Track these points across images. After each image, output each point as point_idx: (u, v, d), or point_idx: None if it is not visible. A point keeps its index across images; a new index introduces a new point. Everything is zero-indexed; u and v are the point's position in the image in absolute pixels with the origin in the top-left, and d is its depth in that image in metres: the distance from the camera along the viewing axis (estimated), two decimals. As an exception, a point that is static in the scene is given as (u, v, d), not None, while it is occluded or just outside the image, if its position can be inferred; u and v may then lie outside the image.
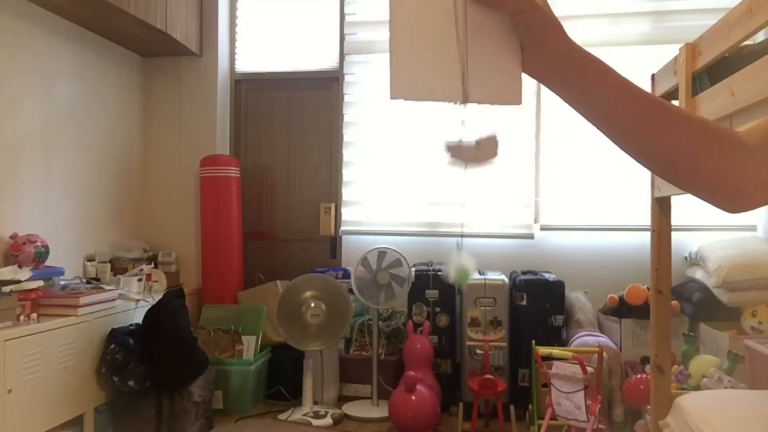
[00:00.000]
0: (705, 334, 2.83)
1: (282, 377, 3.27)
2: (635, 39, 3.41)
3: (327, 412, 2.98)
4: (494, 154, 0.55)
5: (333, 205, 3.77)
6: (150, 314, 2.77)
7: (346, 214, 3.73)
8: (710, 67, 1.52)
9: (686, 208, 3.05)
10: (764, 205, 0.59)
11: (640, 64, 3.21)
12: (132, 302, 2.90)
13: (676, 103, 1.71)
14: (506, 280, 3.09)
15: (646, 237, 2.82)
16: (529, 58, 0.54)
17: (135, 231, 3.66)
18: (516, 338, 3.02)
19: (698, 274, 3.05)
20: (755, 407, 1.62)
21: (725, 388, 2.25)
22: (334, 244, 3.80)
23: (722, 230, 3.24)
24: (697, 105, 1.55)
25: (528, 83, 0.58)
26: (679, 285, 3.12)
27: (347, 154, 3.73)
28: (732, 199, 0.59)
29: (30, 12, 2.77)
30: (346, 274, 3.42)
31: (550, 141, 3.50)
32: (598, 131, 0.59)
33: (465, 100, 0.52)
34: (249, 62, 3.91)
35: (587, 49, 0.55)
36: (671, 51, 1.74)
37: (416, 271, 3.15)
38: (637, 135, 0.57)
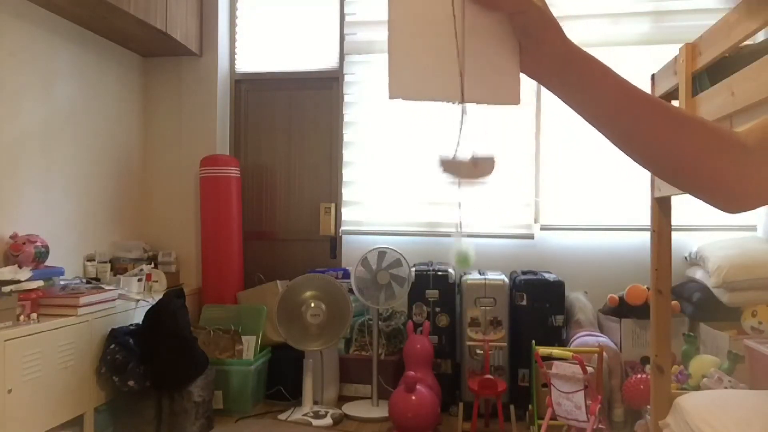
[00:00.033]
0: (705, 334, 2.83)
1: (282, 377, 3.27)
2: (635, 39, 3.41)
3: (327, 412, 2.98)
4: (489, 173, 0.55)
5: (333, 205, 3.77)
6: (150, 314, 2.77)
7: (346, 214, 3.73)
8: (710, 67, 1.52)
9: (686, 208, 3.05)
10: (763, 205, 0.59)
11: (640, 64, 3.21)
12: (132, 302, 2.90)
13: (676, 103, 1.71)
14: (506, 280, 3.09)
15: (646, 237, 2.82)
16: (528, 58, 0.54)
17: (135, 231, 3.66)
18: (516, 338, 3.02)
19: (698, 274, 3.05)
20: (755, 407, 1.62)
21: (725, 388, 2.25)
22: (334, 244, 3.80)
23: (722, 230, 3.24)
24: (697, 105, 1.55)
25: (528, 83, 0.57)
26: (679, 285, 3.12)
27: (347, 154, 3.73)
28: (731, 200, 0.59)
29: (30, 12, 2.77)
30: (346, 274, 3.42)
31: (550, 141, 3.50)
32: (598, 132, 0.59)
33: (462, 100, 0.52)
34: (249, 62, 3.91)
35: (587, 49, 0.55)
36: (671, 51, 1.74)
37: (416, 271, 3.15)
38: (636, 135, 0.57)
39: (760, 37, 2.43)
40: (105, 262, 3.24)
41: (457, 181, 0.56)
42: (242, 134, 3.96)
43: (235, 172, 3.56)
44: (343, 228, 3.73)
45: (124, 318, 2.82)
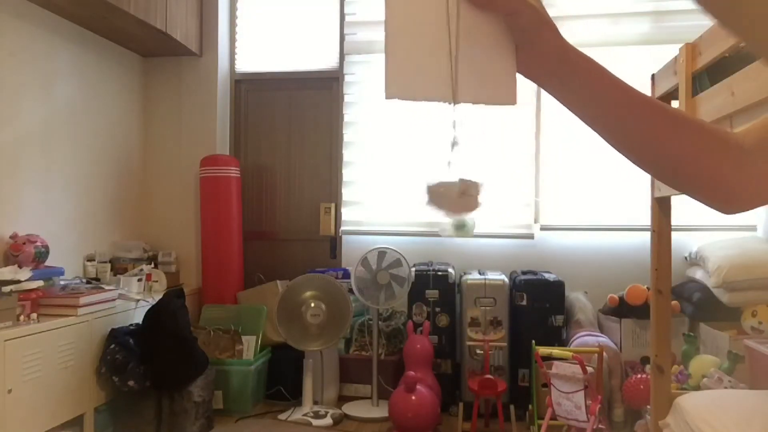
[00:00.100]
0: (705, 334, 2.83)
1: (282, 377, 3.27)
2: (635, 39, 3.41)
3: (327, 412, 2.98)
4: (475, 205, 0.54)
5: (333, 205, 3.77)
6: (150, 314, 2.77)
7: (346, 214, 3.73)
8: (710, 67, 1.51)
9: (686, 208, 3.04)
10: (760, 205, 0.59)
11: (640, 64, 3.20)
12: (132, 302, 2.90)
13: (675, 103, 1.71)
14: (506, 280, 3.09)
15: (646, 237, 2.81)
16: (524, 58, 0.54)
17: (135, 231, 3.66)
18: (516, 338, 3.02)
19: (698, 274, 3.05)
20: (755, 407, 1.62)
21: (725, 388, 2.25)
22: (334, 244, 3.80)
23: (722, 230, 3.24)
24: (697, 105, 1.54)
25: (527, 84, 0.57)
26: (679, 285, 3.12)
27: (347, 154, 3.73)
28: (729, 201, 0.59)
29: (30, 12, 2.78)
30: (346, 274, 3.42)
31: (550, 141, 3.49)
32: (595, 133, 0.59)
33: (455, 100, 0.52)
34: (249, 62, 3.91)
35: (587, 49, 0.55)
36: (671, 51, 1.74)
37: (416, 271, 3.15)
38: (633, 136, 0.56)
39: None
40: (105, 262, 3.24)
41: (444, 211, 0.55)
42: (242, 134, 3.96)
43: (235, 172, 3.56)
44: (343, 228, 3.73)
45: (124, 318, 2.82)
